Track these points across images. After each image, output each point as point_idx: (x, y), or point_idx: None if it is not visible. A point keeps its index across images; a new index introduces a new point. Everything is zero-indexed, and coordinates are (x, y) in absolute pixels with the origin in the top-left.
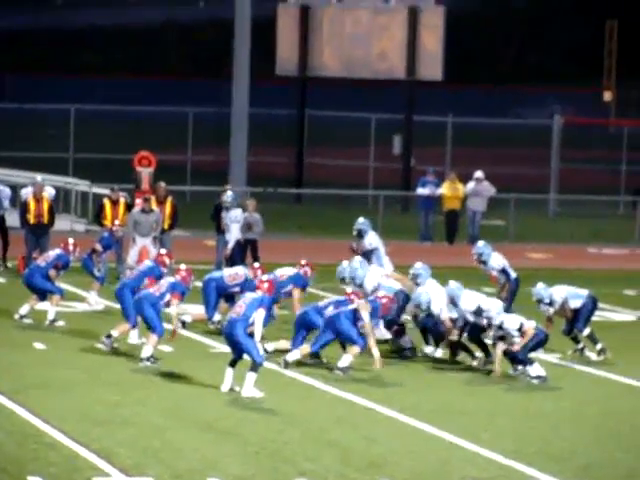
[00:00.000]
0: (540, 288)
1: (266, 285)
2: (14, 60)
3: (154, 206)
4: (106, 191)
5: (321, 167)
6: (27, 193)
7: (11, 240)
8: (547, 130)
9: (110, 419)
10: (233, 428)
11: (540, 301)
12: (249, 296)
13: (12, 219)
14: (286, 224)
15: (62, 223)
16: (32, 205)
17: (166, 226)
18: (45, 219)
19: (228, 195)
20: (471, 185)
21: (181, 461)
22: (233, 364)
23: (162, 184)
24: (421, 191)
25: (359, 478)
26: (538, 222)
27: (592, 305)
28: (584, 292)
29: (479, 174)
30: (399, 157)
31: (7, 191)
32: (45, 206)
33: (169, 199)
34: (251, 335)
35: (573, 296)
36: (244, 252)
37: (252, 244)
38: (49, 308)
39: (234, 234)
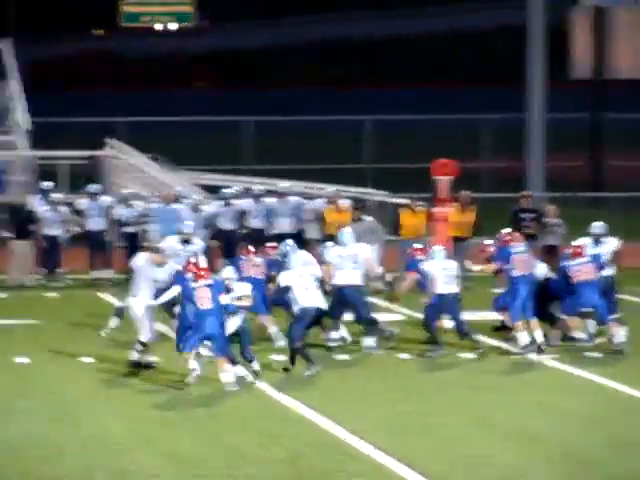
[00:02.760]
0: None
1: None
2: (310, 73)
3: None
4: (405, 201)
5: (620, 170)
6: (323, 203)
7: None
8: None
9: (412, 428)
10: (538, 434)
11: None
12: None
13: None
14: (585, 230)
15: None
16: (332, 217)
17: (468, 233)
18: None
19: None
20: None
21: (489, 468)
22: None
23: (466, 192)
24: None
25: None
26: None
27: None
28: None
29: None
30: None
31: (309, 204)
32: (344, 217)
33: (472, 207)
34: None
35: None
36: None
37: (552, 249)
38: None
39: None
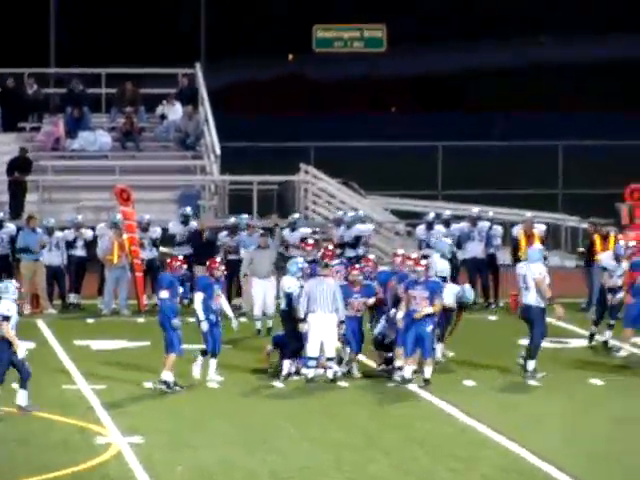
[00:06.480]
0: None
1: None
2: (502, 99)
3: None
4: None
5: None
6: (518, 229)
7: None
8: None
9: (607, 455)
10: None
11: None
12: None
13: (503, 257)
14: None
15: (552, 259)
16: (523, 242)
17: None
18: None
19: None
20: None
21: None
22: None
23: None
24: None
25: None
26: None
27: None
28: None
29: None
30: None
31: (499, 230)
32: (536, 242)
33: None
34: None
35: None
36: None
37: None
38: None
39: None
